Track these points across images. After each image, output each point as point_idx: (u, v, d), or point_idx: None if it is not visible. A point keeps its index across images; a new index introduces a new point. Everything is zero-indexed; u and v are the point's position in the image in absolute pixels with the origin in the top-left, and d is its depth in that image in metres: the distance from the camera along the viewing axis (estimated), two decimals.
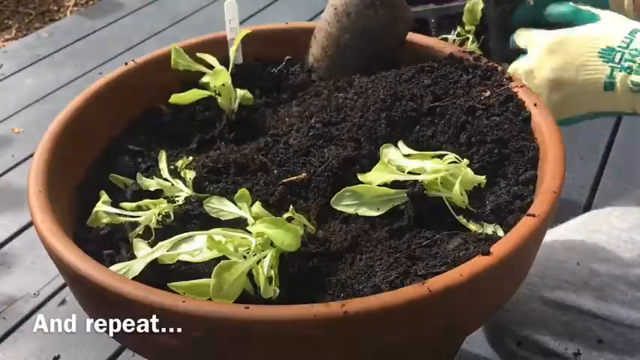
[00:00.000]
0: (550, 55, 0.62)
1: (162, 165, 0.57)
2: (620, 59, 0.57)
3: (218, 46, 0.69)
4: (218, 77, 0.63)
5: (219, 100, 0.64)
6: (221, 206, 0.49)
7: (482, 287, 0.44)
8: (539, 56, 0.63)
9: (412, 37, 0.69)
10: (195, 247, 0.45)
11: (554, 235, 0.69)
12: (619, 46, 0.58)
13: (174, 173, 0.56)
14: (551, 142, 0.53)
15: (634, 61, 0.56)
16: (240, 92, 0.65)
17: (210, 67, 0.65)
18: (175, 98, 0.63)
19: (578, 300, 0.63)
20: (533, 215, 0.46)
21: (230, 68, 0.65)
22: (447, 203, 0.49)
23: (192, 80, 0.67)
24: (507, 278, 0.49)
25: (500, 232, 0.47)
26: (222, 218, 0.49)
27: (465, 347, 0.90)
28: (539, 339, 0.64)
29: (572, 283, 0.63)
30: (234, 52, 0.66)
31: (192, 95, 0.64)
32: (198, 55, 0.67)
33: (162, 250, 0.45)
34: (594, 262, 0.64)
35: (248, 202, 0.49)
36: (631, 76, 0.56)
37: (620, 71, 0.57)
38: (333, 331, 0.40)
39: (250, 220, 0.47)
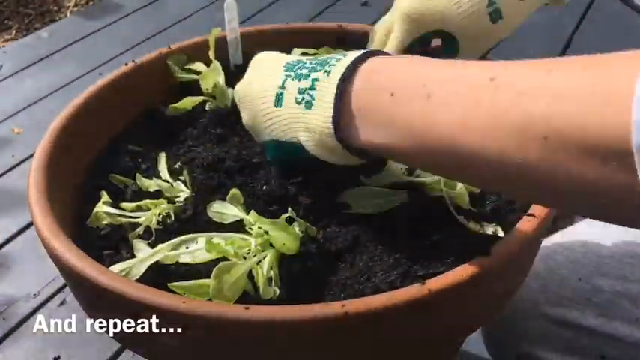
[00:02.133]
0: None
1: (162, 167, 0.57)
2: (299, 67, 0.48)
3: (218, 47, 0.69)
4: (208, 79, 0.64)
5: (215, 101, 0.64)
6: (224, 210, 0.49)
7: (482, 287, 0.44)
8: None
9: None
10: (196, 248, 0.45)
11: (556, 244, 0.68)
12: None
13: (175, 173, 0.56)
14: None
15: None
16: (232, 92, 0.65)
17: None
18: (172, 109, 0.64)
19: (580, 317, 0.62)
20: (533, 215, 0.46)
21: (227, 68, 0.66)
22: (448, 203, 0.49)
23: (192, 80, 0.67)
24: (507, 278, 0.49)
25: (501, 232, 0.47)
26: (225, 222, 0.48)
27: (465, 347, 0.90)
28: (541, 355, 0.64)
29: (575, 299, 0.63)
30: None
31: (188, 103, 0.64)
32: (187, 67, 0.68)
33: (162, 253, 0.45)
34: (596, 277, 0.63)
35: (239, 202, 0.49)
36: None
37: (294, 79, 0.47)
38: (333, 331, 0.40)
39: (249, 222, 0.47)
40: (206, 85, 0.65)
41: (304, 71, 0.45)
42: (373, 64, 0.42)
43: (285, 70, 0.46)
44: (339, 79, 0.41)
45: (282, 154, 0.51)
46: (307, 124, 0.43)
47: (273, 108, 0.46)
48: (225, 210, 0.49)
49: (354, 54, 0.43)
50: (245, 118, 0.51)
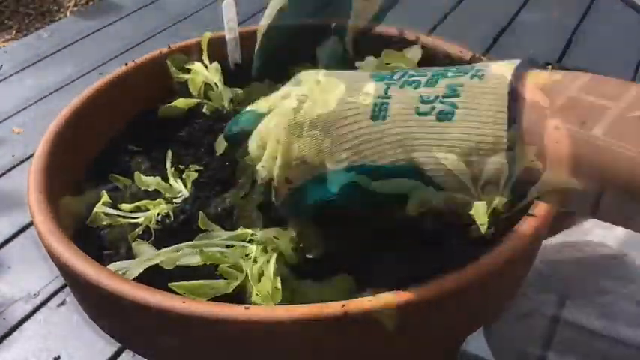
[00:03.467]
0: None
1: (168, 165, 0.57)
2: (402, 76, 0.37)
3: (217, 47, 0.69)
4: (195, 82, 0.64)
5: (212, 102, 0.64)
6: (211, 240, 0.46)
7: (483, 287, 0.44)
8: None
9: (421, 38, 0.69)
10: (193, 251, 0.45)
11: (560, 244, 0.68)
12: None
13: (175, 173, 0.56)
14: None
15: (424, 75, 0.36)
16: (232, 91, 0.64)
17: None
18: (163, 111, 0.63)
19: (583, 318, 0.62)
20: (534, 215, 0.46)
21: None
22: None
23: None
24: (508, 278, 0.49)
25: (501, 233, 0.47)
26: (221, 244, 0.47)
27: (465, 347, 0.90)
28: (542, 356, 0.64)
29: (577, 300, 0.63)
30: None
31: (180, 104, 0.64)
32: (186, 67, 0.67)
33: (161, 257, 0.45)
34: (600, 278, 0.63)
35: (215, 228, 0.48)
36: (421, 91, 0.35)
37: (403, 86, 0.36)
38: (333, 331, 0.40)
39: (248, 232, 0.46)
40: (194, 88, 0.64)
41: (422, 79, 0.36)
42: (544, 76, 0.35)
43: (379, 80, 0.37)
44: (508, 84, 0.33)
45: (349, 191, 0.38)
46: (441, 140, 0.34)
47: (368, 123, 0.36)
48: (213, 238, 0.47)
49: (502, 63, 0.35)
50: (304, 151, 0.38)
